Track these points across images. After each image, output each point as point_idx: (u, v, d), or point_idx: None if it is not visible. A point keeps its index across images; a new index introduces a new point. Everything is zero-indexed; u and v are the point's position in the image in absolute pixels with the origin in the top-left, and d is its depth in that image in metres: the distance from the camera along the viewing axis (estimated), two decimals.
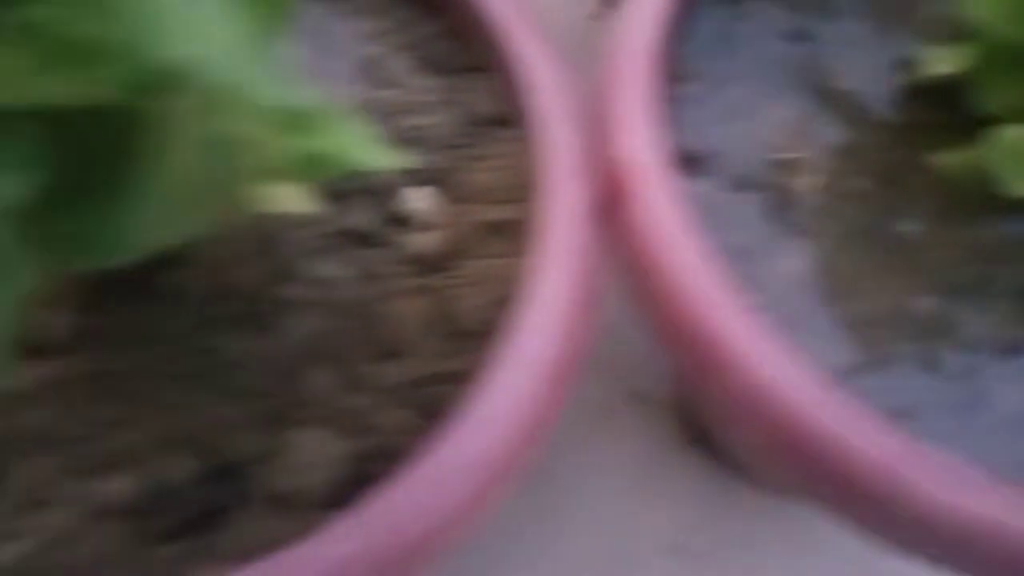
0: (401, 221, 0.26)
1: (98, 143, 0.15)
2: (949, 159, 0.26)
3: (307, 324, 0.24)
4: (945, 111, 0.27)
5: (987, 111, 0.25)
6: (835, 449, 0.21)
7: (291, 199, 0.24)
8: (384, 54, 0.30)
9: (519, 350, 0.22)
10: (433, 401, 0.24)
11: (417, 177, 0.27)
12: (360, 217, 0.26)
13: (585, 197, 0.24)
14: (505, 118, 0.28)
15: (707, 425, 0.40)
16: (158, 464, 0.22)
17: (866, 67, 0.29)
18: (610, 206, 0.25)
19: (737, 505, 0.42)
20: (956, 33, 0.26)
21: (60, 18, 0.13)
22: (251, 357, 0.24)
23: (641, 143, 0.25)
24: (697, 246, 0.23)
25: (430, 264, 0.26)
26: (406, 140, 0.28)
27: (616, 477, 0.42)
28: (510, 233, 0.26)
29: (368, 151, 0.17)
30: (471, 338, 0.24)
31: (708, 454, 0.42)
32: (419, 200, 0.26)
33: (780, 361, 0.22)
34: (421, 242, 0.26)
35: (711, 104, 0.28)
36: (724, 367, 0.22)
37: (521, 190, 0.27)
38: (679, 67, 0.28)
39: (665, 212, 0.24)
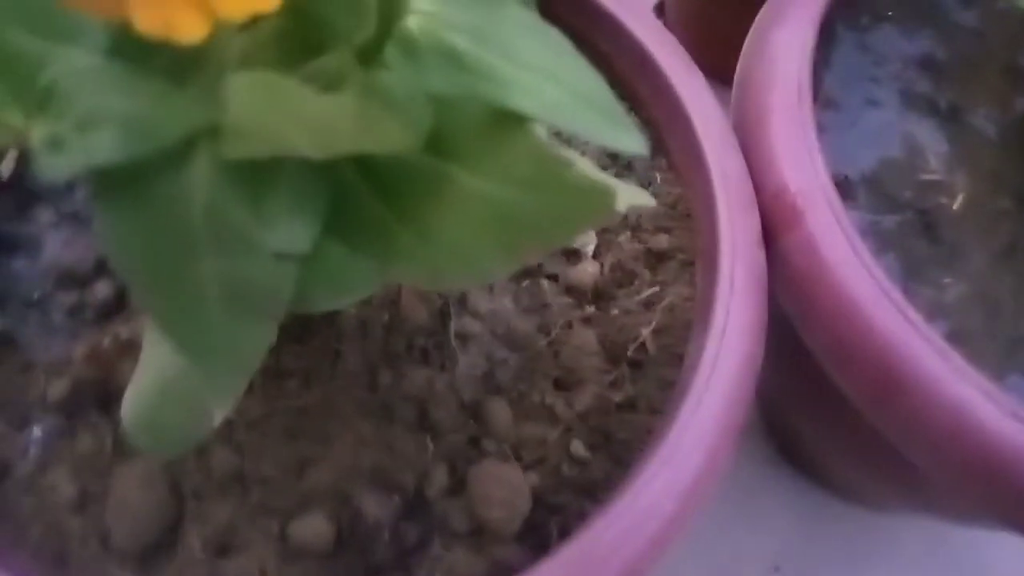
0: (567, 251, 0.26)
1: (379, 191, 0.15)
2: None
3: (484, 356, 0.24)
4: None
5: None
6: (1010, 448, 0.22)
7: None
8: None
9: (707, 381, 0.22)
10: (611, 432, 0.24)
11: None
12: None
13: (756, 225, 0.25)
14: (656, 149, 0.29)
15: (804, 443, 0.40)
16: (351, 502, 0.22)
17: (992, 90, 0.29)
18: (775, 234, 0.25)
19: (836, 520, 0.42)
20: None
21: (411, 80, 0.13)
22: (433, 390, 0.24)
23: (804, 171, 0.25)
24: (869, 268, 0.24)
25: (599, 294, 0.26)
26: None
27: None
28: (674, 262, 0.26)
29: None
30: (648, 367, 0.24)
31: (801, 473, 0.43)
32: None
33: (962, 380, 0.22)
34: (588, 272, 0.26)
35: (855, 130, 0.28)
36: (908, 386, 0.23)
37: (681, 218, 0.27)
38: (822, 95, 0.29)
39: (836, 237, 0.24)
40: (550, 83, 0.13)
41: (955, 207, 0.27)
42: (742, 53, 0.30)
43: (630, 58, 0.29)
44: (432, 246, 0.15)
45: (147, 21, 0.12)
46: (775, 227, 0.26)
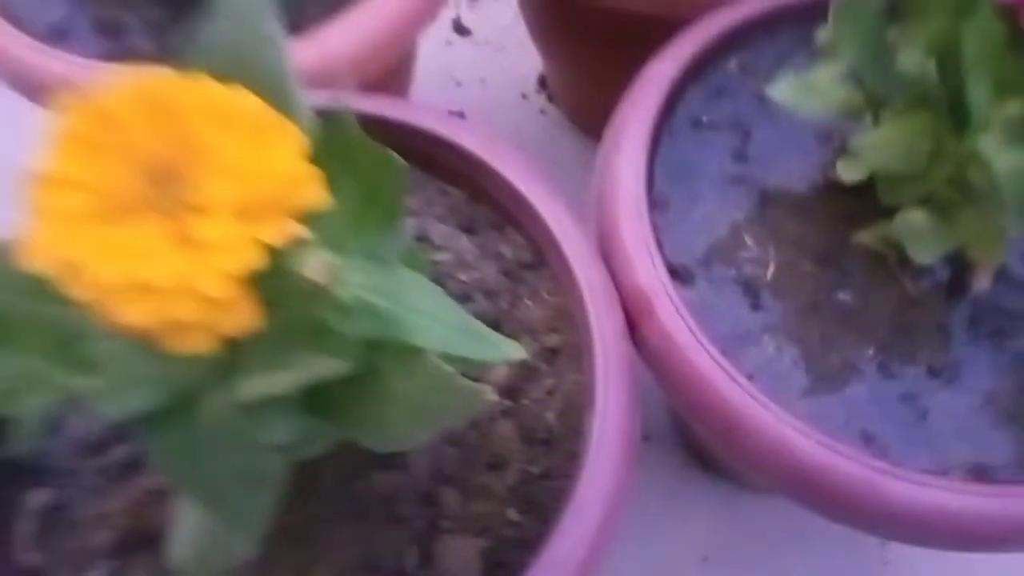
0: None
1: (342, 393, 0.23)
2: (868, 237, 0.36)
3: (433, 455, 0.32)
4: (861, 200, 0.36)
5: (891, 201, 0.35)
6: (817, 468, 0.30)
7: None
8: (424, 223, 0.38)
9: (600, 448, 0.30)
10: (535, 498, 0.32)
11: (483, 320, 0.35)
12: None
13: (620, 321, 0.33)
14: (533, 263, 0.37)
15: (713, 456, 0.48)
16: None
17: (799, 174, 0.38)
18: (636, 323, 0.34)
19: (749, 509, 0.50)
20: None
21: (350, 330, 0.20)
22: (397, 489, 0.31)
23: (649, 271, 0.34)
24: (703, 343, 0.32)
25: (511, 389, 0.33)
26: (463, 293, 0.36)
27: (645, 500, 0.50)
28: (566, 355, 0.34)
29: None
30: (556, 443, 0.32)
31: (712, 473, 0.51)
32: None
33: (780, 422, 0.31)
34: (502, 374, 0.34)
35: (685, 224, 0.37)
36: (740, 432, 0.31)
37: (566, 319, 0.35)
38: (657, 199, 0.37)
39: (678, 322, 0.33)
40: (436, 323, 0.21)
41: (768, 276, 0.36)
42: (595, 174, 0.38)
43: (507, 193, 0.37)
44: (373, 421, 0.23)
45: (165, 335, 0.19)
46: (635, 318, 0.34)
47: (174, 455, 0.24)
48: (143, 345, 0.22)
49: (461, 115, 0.65)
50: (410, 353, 0.21)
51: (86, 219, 0.19)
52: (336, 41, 0.40)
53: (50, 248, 0.18)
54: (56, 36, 0.41)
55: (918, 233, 0.34)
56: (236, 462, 0.23)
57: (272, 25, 0.22)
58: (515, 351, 0.22)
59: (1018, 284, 0.35)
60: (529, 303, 0.36)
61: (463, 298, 0.36)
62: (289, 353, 0.21)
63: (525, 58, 0.67)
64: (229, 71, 0.21)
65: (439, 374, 0.21)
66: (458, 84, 0.67)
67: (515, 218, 0.37)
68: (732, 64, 0.40)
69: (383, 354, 0.22)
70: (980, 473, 0.32)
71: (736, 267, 0.36)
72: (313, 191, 0.20)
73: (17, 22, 0.41)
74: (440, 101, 0.66)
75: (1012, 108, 0.26)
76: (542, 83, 0.67)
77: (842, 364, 0.34)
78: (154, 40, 0.42)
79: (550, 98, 0.66)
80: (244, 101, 0.20)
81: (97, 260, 0.18)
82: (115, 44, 0.41)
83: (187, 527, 0.27)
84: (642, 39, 0.41)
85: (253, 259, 0.19)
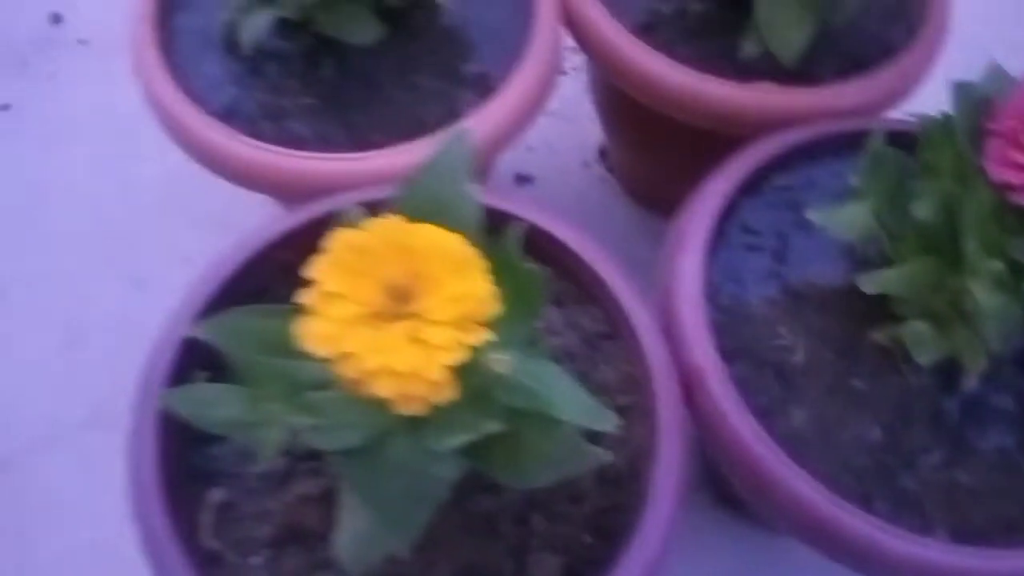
0: None
1: (494, 445, 0.32)
2: (880, 336, 0.45)
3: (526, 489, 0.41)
4: (876, 305, 0.45)
5: (901, 312, 0.43)
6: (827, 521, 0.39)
7: None
8: None
9: (659, 490, 0.39)
10: (607, 526, 0.41)
11: None
12: None
13: (678, 389, 0.42)
14: (608, 334, 0.46)
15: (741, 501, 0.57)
16: None
17: (827, 278, 0.47)
18: (691, 392, 0.42)
19: (765, 543, 0.59)
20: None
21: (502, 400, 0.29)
22: (497, 510, 0.40)
23: (703, 351, 0.43)
24: (744, 413, 0.41)
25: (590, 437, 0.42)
26: (552, 357, 0.45)
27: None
28: (634, 413, 0.43)
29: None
30: (624, 483, 0.41)
31: (739, 518, 0.60)
32: None
33: (801, 480, 0.39)
34: None
35: (733, 313, 0.46)
36: (768, 486, 0.40)
37: (634, 383, 0.44)
38: (710, 289, 0.46)
39: (725, 395, 0.41)
40: (567, 399, 0.30)
41: (796, 360, 0.44)
42: (659, 268, 0.47)
43: (589, 275, 0.46)
44: (514, 468, 0.32)
45: (397, 402, 0.28)
46: (690, 388, 0.43)
47: (361, 478, 0.33)
48: (357, 400, 0.31)
49: (530, 179, 0.75)
50: (549, 421, 0.30)
51: (352, 322, 0.28)
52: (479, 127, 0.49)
53: (330, 341, 0.27)
54: (229, 115, 0.51)
55: (920, 339, 0.43)
56: (411, 486, 0.32)
57: (468, 183, 0.31)
58: (616, 424, 0.31)
59: (999, 386, 0.44)
60: (605, 368, 0.45)
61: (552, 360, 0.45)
62: (465, 415, 0.30)
63: (589, 129, 0.76)
64: (434, 214, 0.30)
65: (571, 438, 0.30)
66: (529, 149, 0.77)
67: (595, 296, 0.46)
68: (778, 182, 0.49)
69: (527, 420, 0.31)
70: (962, 535, 0.41)
71: (772, 352, 0.45)
72: (494, 305, 0.29)
73: (197, 102, 0.50)
74: (512, 163, 0.75)
75: (995, 265, 0.35)
76: (602, 154, 0.77)
77: (853, 438, 0.43)
78: (308, 124, 0.51)
79: (609, 169, 0.76)
80: (455, 243, 0.29)
81: (363, 352, 0.27)
82: (276, 126, 0.51)
83: (351, 529, 0.36)
84: (698, 145, 0.50)
85: (462, 356, 0.28)
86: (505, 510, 0.40)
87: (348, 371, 0.27)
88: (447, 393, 0.28)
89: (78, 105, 0.78)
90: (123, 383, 0.64)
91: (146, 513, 0.39)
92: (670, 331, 0.44)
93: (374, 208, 0.45)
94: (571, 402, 0.30)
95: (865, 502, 0.41)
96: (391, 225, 0.29)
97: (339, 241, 0.29)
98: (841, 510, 0.39)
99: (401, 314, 0.28)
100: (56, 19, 0.82)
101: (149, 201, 0.73)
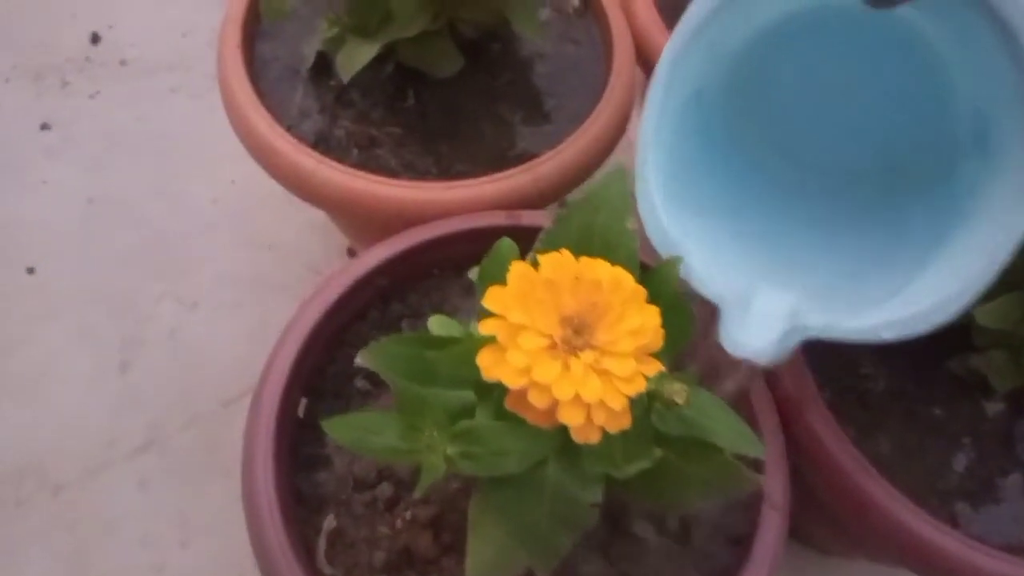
0: None
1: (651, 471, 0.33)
2: (956, 366, 0.47)
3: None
4: (952, 336, 0.47)
5: (981, 343, 0.46)
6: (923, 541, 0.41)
7: None
8: None
9: (767, 517, 0.41)
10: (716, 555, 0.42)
11: None
12: None
13: (777, 419, 0.43)
14: None
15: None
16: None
17: None
18: (788, 421, 0.44)
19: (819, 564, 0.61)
20: None
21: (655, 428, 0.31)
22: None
23: (802, 384, 0.44)
24: (838, 437, 0.43)
25: None
26: None
27: None
28: None
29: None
30: (743, 510, 0.43)
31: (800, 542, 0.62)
32: None
33: (897, 504, 0.41)
34: None
35: (821, 349, 0.48)
36: (867, 508, 0.42)
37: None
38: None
39: (822, 422, 0.43)
40: (724, 427, 0.31)
41: (877, 389, 0.47)
42: None
43: None
44: (670, 494, 0.33)
45: (578, 431, 0.29)
46: (788, 418, 0.44)
47: (511, 504, 0.34)
48: (514, 428, 0.32)
49: None
50: (708, 448, 0.32)
51: (540, 353, 0.29)
52: (546, 170, 0.51)
53: (522, 373, 0.28)
54: (319, 143, 0.51)
55: (999, 368, 0.45)
56: (560, 512, 0.33)
57: (630, 219, 0.32)
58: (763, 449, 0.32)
59: None
60: None
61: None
62: (626, 443, 0.31)
63: None
64: (596, 249, 0.32)
65: (730, 465, 0.31)
66: None
67: None
68: None
69: (685, 447, 0.32)
70: None
71: (857, 381, 0.47)
72: (662, 338, 0.30)
73: (288, 130, 0.51)
74: None
75: None
76: None
77: (936, 462, 0.45)
78: (394, 153, 0.52)
79: None
80: (628, 277, 0.30)
81: (555, 383, 0.28)
82: (364, 153, 0.52)
83: (482, 553, 0.37)
84: None
85: (642, 386, 0.29)
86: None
87: (538, 401, 0.28)
88: (625, 422, 0.29)
89: (120, 125, 0.77)
90: (177, 405, 0.64)
91: (265, 539, 0.39)
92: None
93: (479, 238, 0.47)
94: (728, 428, 0.32)
95: (952, 523, 0.43)
96: (567, 259, 0.30)
97: (517, 273, 0.30)
98: (937, 530, 0.41)
99: (580, 345, 0.29)
100: (96, 39, 0.82)
101: (197, 221, 0.73)
